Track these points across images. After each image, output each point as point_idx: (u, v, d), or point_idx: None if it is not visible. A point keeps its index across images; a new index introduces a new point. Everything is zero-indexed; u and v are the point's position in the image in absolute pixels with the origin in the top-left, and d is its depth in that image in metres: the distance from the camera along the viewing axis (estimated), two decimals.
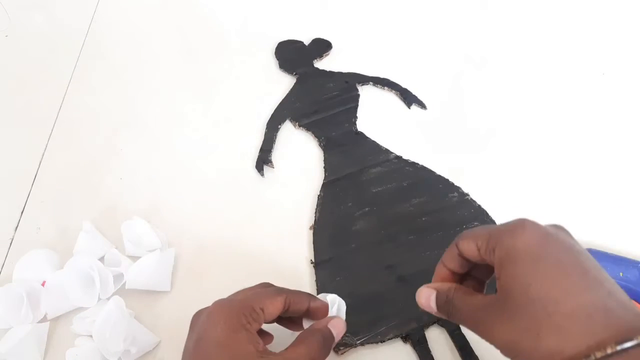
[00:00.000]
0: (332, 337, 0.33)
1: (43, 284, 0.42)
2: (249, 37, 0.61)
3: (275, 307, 0.32)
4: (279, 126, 0.52)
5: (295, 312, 0.33)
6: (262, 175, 0.49)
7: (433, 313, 0.31)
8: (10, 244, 0.47)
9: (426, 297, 0.31)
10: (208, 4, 0.65)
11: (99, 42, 0.62)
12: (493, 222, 0.43)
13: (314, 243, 0.44)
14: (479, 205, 0.44)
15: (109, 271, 0.42)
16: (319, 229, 0.45)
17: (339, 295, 0.37)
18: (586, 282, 0.25)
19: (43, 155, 0.52)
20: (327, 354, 0.32)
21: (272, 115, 0.53)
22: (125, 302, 0.40)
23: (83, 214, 0.47)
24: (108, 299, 0.41)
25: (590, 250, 0.39)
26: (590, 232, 0.43)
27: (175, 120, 0.54)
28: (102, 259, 0.43)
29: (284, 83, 0.55)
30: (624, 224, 0.43)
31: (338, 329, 0.34)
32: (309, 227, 0.45)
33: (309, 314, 0.34)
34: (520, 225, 0.28)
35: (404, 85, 0.54)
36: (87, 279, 0.41)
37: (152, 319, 0.41)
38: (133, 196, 0.49)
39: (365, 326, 0.38)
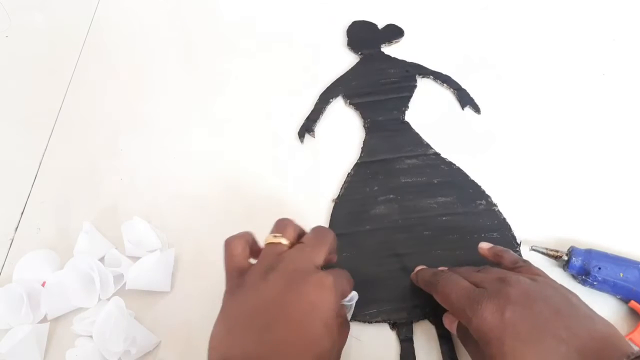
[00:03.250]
0: None
1: (43, 285, 0.42)
2: (250, 35, 0.60)
3: None
4: (331, 100, 0.52)
5: None
6: (302, 142, 0.50)
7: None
8: (11, 244, 0.47)
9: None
10: (210, 1, 0.65)
11: (99, 42, 0.62)
12: (514, 237, 0.43)
13: (331, 216, 0.45)
14: (504, 219, 0.44)
15: (109, 271, 0.42)
16: (340, 203, 0.46)
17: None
18: (543, 345, 0.28)
19: (43, 155, 0.53)
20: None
21: (327, 88, 0.53)
22: (125, 303, 0.40)
23: (83, 214, 0.47)
24: (108, 299, 0.41)
25: (591, 251, 0.39)
26: (590, 233, 0.43)
27: (175, 119, 0.54)
28: (102, 260, 0.43)
29: (286, 81, 0.55)
30: (624, 225, 0.43)
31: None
32: (331, 199, 0.46)
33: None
34: (477, 308, 0.31)
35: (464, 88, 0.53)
36: (87, 280, 0.41)
37: (152, 319, 0.41)
38: (133, 196, 0.49)
39: (358, 304, 0.38)
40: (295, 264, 0.32)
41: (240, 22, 0.62)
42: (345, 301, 0.37)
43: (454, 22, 0.59)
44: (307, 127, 0.51)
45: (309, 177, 0.48)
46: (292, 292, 0.30)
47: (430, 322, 0.40)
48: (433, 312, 0.39)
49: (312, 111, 0.52)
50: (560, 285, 0.33)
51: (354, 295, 0.37)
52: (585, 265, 0.38)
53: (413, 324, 0.40)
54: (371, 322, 0.40)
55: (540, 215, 0.44)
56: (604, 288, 0.39)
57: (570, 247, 0.40)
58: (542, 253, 0.40)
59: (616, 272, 0.38)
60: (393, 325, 0.40)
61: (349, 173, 0.47)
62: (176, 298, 0.42)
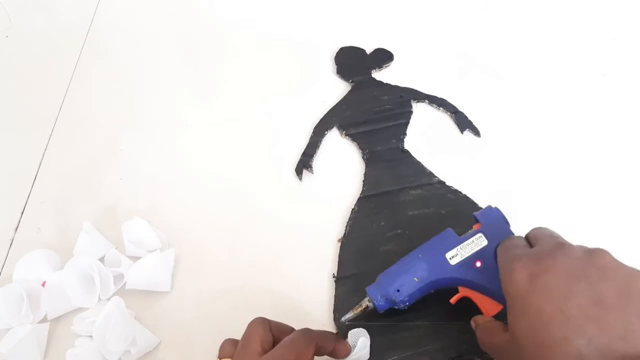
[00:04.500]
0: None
1: (43, 284, 0.42)
2: (251, 36, 0.60)
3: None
4: (326, 132, 0.51)
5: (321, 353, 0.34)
6: (300, 179, 0.48)
7: None
8: (11, 244, 0.47)
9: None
10: (209, 1, 0.65)
11: (99, 42, 0.62)
12: None
13: (339, 257, 0.43)
14: None
15: (109, 271, 0.42)
16: (347, 242, 0.43)
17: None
18: (564, 332, 0.25)
19: (43, 155, 0.53)
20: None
21: (321, 120, 0.51)
22: (126, 303, 0.40)
23: (83, 214, 0.47)
24: (108, 299, 0.41)
25: (379, 279, 0.36)
26: (590, 233, 0.42)
27: (175, 120, 0.54)
28: (102, 259, 0.43)
29: (287, 83, 0.55)
30: (624, 225, 0.43)
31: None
32: (337, 239, 0.44)
33: (333, 353, 0.34)
34: (509, 270, 0.29)
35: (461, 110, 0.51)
36: (87, 279, 0.41)
37: (152, 319, 0.41)
38: (133, 196, 0.49)
39: (375, 352, 0.37)
40: None
41: (240, 23, 0.62)
42: (357, 345, 0.35)
43: (453, 22, 0.59)
44: (305, 163, 0.48)
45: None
46: None
47: None
48: (457, 354, 0.37)
49: (308, 145, 0.50)
50: (628, 268, 0.27)
51: (364, 334, 0.36)
52: (387, 296, 0.35)
53: None
54: None
55: (540, 215, 0.44)
56: (418, 298, 0.36)
57: (365, 289, 0.37)
58: (352, 319, 0.36)
59: (410, 280, 0.35)
60: None
61: (352, 209, 0.45)
62: (176, 298, 0.42)
